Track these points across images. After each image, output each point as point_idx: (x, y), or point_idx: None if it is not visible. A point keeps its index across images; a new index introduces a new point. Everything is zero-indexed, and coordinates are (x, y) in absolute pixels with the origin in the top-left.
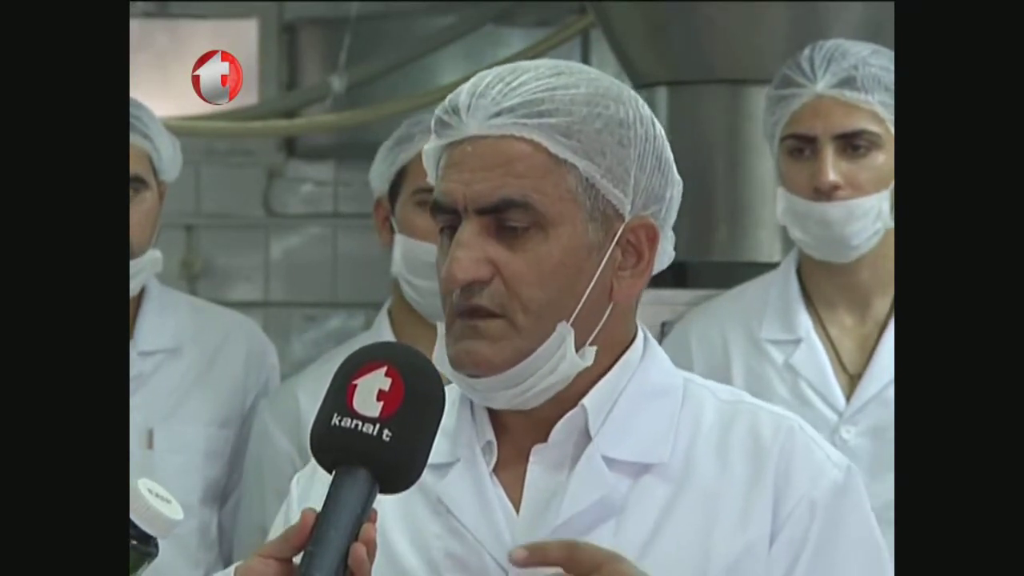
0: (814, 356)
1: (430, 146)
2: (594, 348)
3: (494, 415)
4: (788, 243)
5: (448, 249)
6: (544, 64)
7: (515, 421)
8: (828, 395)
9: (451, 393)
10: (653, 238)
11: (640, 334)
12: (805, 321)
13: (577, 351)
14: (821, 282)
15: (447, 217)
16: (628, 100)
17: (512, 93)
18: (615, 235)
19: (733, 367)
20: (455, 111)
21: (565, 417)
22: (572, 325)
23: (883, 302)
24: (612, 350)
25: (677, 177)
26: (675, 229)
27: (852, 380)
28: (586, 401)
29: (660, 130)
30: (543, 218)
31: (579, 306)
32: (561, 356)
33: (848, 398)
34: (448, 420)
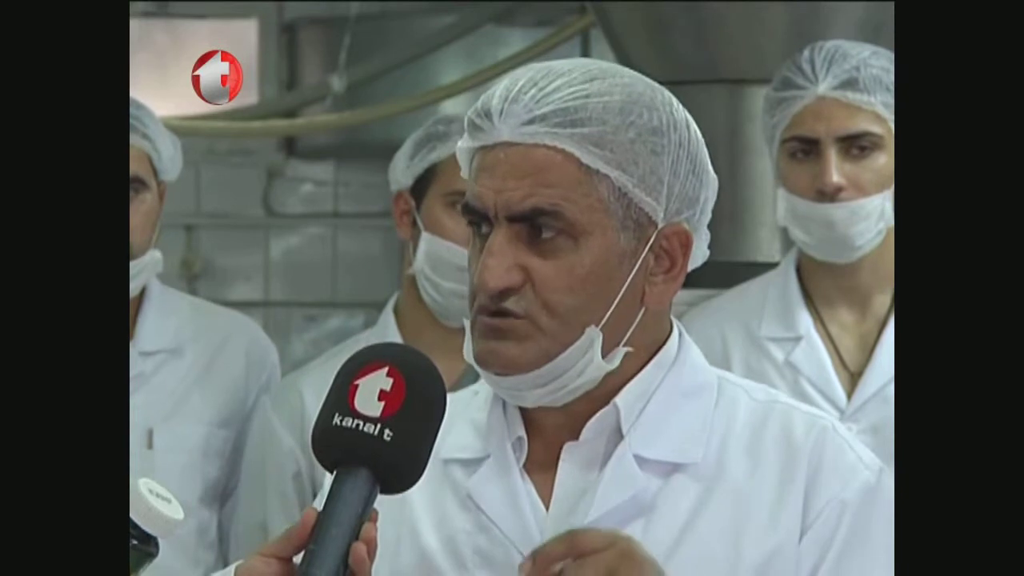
0: (814, 354)
1: (463, 145)
2: (624, 350)
3: (525, 412)
4: (788, 242)
5: (480, 250)
6: (578, 67)
7: (546, 418)
8: (829, 392)
9: (485, 388)
10: (687, 244)
11: (675, 333)
12: (805, 319)
13: (607, 354)
14: (821, 281)
15: (478, 220)
16: (662, 105)
17: (545, 100)
18: (648, 242)
19: (733, 365)
20: (487, 115)
21: (597, 415)
22: (602, 329)
23: (883, 300)
24: (646, 350)
25: (712, 176)
26: None
27: (853, 378)
28: (619, 400)
29: (695, 132)
30: (574, 227)
31: (609, 312)
32: (588, 360)
33: (849, 396)
34: (479, 415)
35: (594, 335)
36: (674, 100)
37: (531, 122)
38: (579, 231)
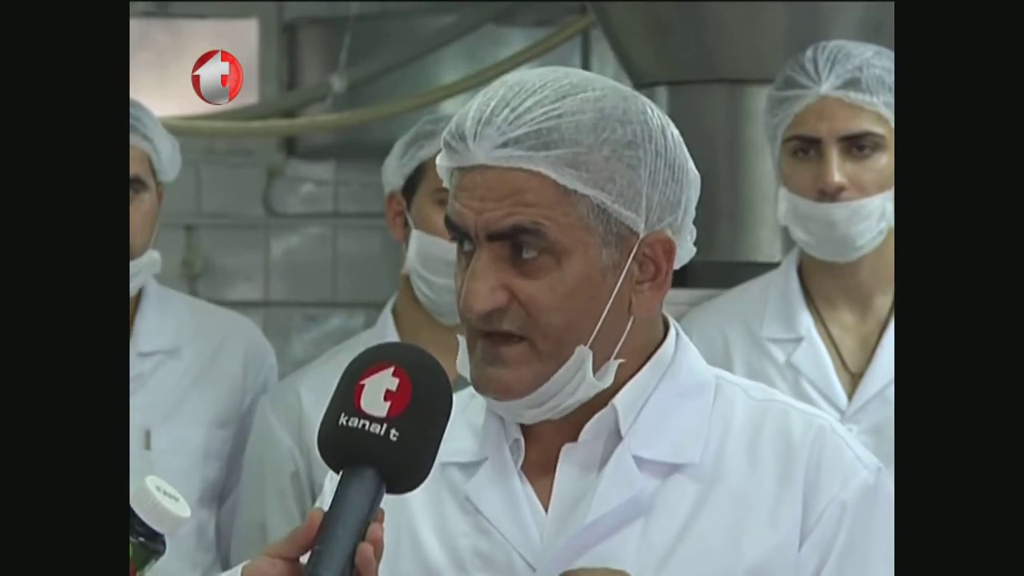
0: (815, 354)
1: (441, 163)
2: (617, 363)
3: None
4: (789, 242)
5: (465, 265)
6: (550, 82)
7: (544, 422)
8: (830, 393)
9: None
10: (670, 250)
11: (672, 332)
12: (806, 320)
13: (599, 368)
14: (822, 281)
15: (461, 235)
16: (635, 117)
17: (518, 122)
18: (631, 253)
19: (734, 366)
20: (461, 137)
21: (595, 417)
22: (592, 346)
23: (884, 300)
24: (641, 352)
25: (694, 175)
26: None
27: (854, 378)
28: (616, 401)
29: (671, 136)
30: (555, 246)
31: (597, 328)
32: (580, 379)
33: (850, 396)
34: (476, 418)
35: (584, 354)
36: (648, 108)
37: (505, 145)
38: (560, 250)
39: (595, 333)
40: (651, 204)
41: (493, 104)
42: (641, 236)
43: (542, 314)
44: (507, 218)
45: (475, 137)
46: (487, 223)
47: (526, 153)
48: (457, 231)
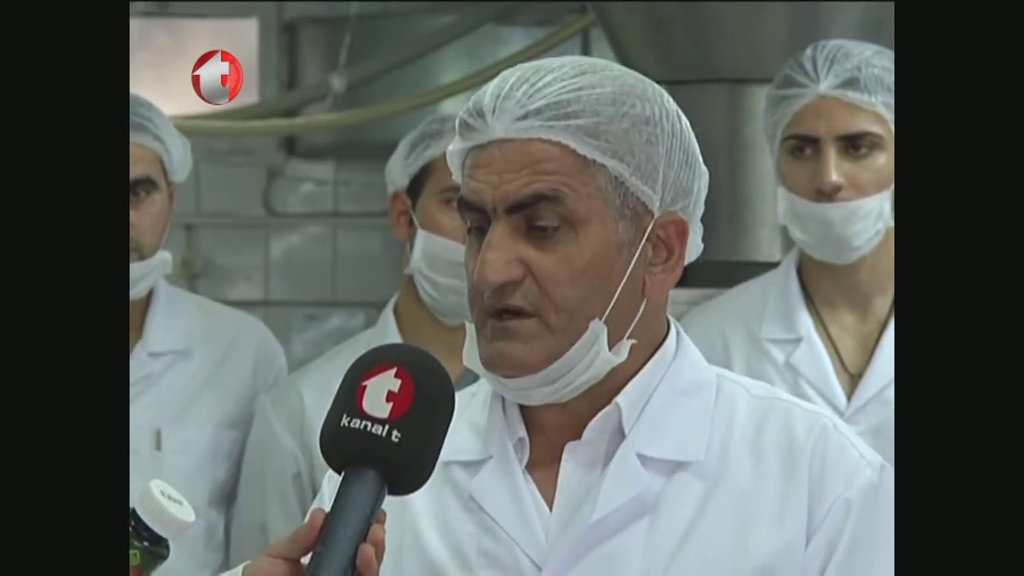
0: (815, 355)
1: (455, 148)
2: (630, 342)
3: (526, 412)
4: (788, 242)
5: (478, 249)
6: (568, 63)
7: (548, 418)
8: (829, 394)
9: (482, 389)
10: (683, 233)
11: (673, 330)
12: (805, 320)
13: (612, 347)
14: (822, 281)
15: (475, 216)
16: (653, 96)
17: (537, 95)
18: (645, 232)
19: (733, 366)
20: (480, 114)
21: (599, 415)
22: (605, 323)
23: (884, 301)
24: (646, 347)
25: (703, 169)
26: None
27: (853, 379)
28: (620, 399)
29: (686, 124)
30: (573, 215)
31: (611, 304)
32: (595, 354)
33: (849, 397)
34: (479, 417)
35: (599, 329)
36: (664, 92)
37: (525, 117)
38: (578, 220)
39: (608, 310)
40: (666, 183)
41: (512, 81)
42: (656, 216)
43: (556, 288)
44: (527, 187)
45: (494, 112)
46: (506, 195)
47: (546, 123)
48: (473, 209)
